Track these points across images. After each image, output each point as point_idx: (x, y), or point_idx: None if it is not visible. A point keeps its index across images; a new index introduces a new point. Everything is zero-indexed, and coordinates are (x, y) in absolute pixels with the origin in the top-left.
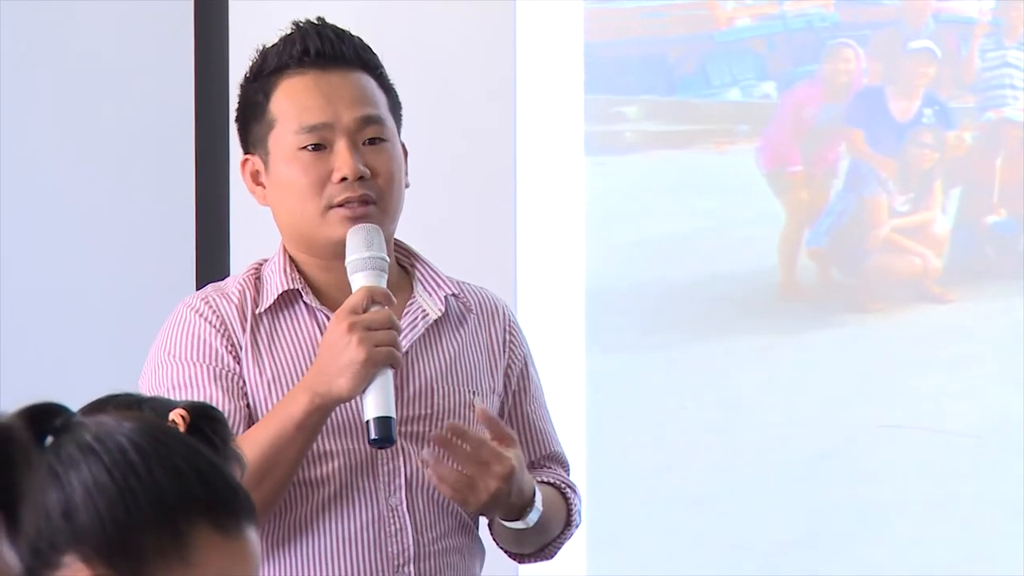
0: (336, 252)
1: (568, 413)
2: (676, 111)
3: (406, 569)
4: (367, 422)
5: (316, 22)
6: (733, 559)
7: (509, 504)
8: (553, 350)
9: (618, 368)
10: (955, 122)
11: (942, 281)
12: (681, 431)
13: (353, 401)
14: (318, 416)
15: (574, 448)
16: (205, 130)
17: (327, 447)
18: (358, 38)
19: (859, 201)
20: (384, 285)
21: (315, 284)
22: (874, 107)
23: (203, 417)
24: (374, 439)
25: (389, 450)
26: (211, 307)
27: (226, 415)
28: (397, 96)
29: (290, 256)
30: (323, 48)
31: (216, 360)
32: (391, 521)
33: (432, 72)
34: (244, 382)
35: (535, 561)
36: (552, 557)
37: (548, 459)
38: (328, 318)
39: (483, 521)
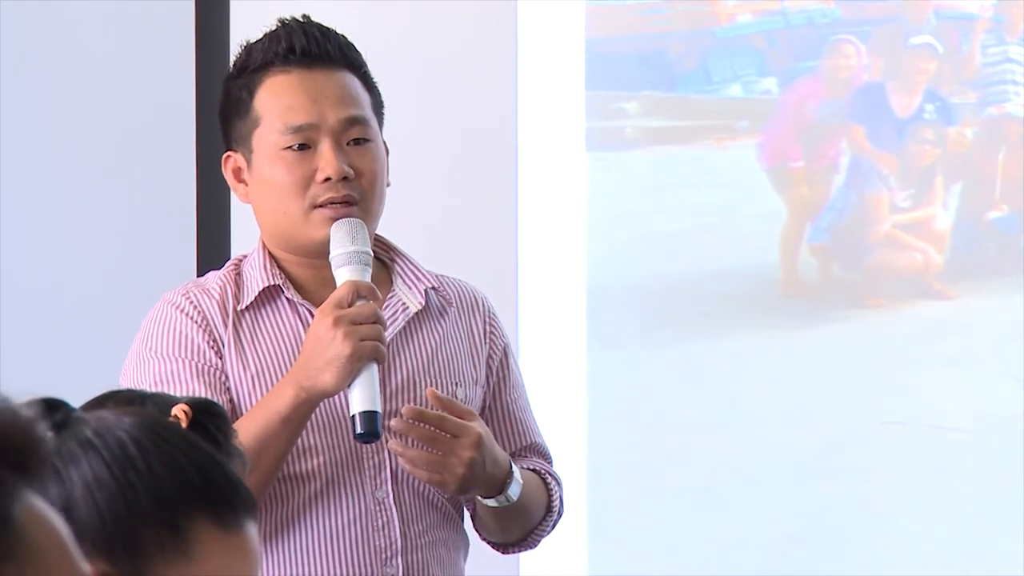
0: (318, 251)
1: (569, 409)
2: (677, 107)
3: (394, 562)
4: (353, 417)
5: (302, 19)
6: (734, 555)
7: (487, 476)
8: (554, 346)
9: (619, 364)
10: (956, 118)
11: (943, 277)
12: (682, 427)
13: (338, 396)
14: (304, 410)
15: (575, 445)
16: (206, 129)
17: (312, 442)
18: (343, 36)
19: (860, 197)
20: (368, 279)
21: (295, 280)
22: (875, 103)
23: (205, 413)
24: (360, 434)
25: (374, 444)
26: (192, 303)
27: None
28: (380, 95)
29: (269, 252)
30: (308, 46)
31: (198, 355)
32: (378, 515)
33: (433, 69)
34: (226, 377)
35: (520, 550)
36: (536, 546)
37: (528, 450)
38: (310, 313)
39: (467, 517)
